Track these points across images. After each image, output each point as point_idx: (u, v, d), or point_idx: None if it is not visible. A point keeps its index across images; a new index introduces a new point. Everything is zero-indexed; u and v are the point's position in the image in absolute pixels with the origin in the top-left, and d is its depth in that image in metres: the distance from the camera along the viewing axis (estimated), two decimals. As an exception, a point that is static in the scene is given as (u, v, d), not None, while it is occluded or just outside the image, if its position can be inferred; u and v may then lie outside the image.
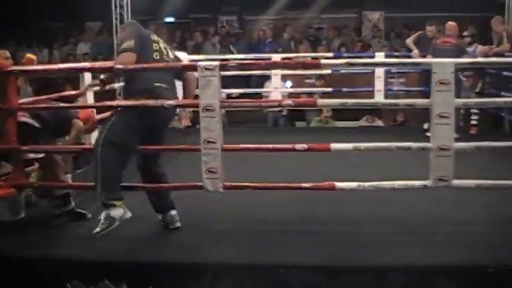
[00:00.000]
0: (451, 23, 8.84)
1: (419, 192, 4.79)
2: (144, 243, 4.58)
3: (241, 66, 5.28)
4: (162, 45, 4.71)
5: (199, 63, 4.60)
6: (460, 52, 8.19)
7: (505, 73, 9.35)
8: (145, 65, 4.50)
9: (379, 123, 11.09)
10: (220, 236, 4.63)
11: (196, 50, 12.73)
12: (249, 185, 4.73)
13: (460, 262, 4.13)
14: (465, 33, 9.97)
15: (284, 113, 11.04)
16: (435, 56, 7.97)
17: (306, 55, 11.66)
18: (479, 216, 5.01)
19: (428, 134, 4.81)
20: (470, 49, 9.47)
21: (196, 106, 4.55)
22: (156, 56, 4.62)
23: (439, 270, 4.08)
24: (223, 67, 4.64)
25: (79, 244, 4.49)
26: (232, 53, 12.58)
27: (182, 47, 12.38)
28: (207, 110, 4.47)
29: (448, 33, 8.64)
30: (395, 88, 11.10)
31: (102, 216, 4.34)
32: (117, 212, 4.35)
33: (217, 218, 5.00)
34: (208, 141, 4.49)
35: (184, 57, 9.01)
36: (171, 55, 4.78)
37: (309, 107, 10.10)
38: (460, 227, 4.78)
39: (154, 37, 4.70)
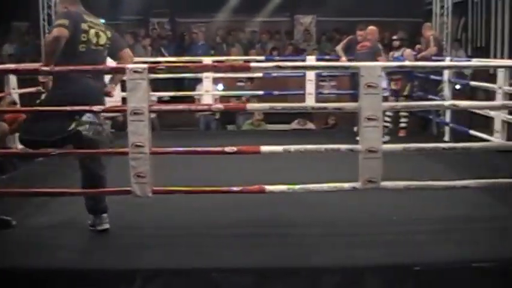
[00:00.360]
0: (371, 28, 9.06)
1: (349, 193, 4.86)
2: (71, 249, 4.45)
3: (170, 69, 5.23)
4: (93, 31, 4.62)
5: (128, 65, 4.55)
6: (373, 54, 8.40)
7: (432, 76, 9.62)
8: (72, 68, 4.43)
9: (311, 126, 11.20)
10: (150, 240, 4.57)
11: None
12: (179, 189, 4.70)
13: (388, 262, 4.23)
14: (394, 37, 10.15)
15: (216, 116, 11.02)
16: (357, 60, 8.13)
17: (238, 58, 11.68)
18: (407, 217, 5.13)
19: (358, 137, 4.89)
20: (398, 53, 9.66)
21: (124, 110, 4.49)
22: (82, 48, 4.54)
23: (368, 270, 4.15)
24: (152, 70, 4.59)
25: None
26: (163, 55, 12.47)
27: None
28: (135, 113, 4.41)
29: (368, 38, 8.81)
30: (326, 91, 11.27)
31: None
32: None
33: (147, 223, 4.93)
34: (137, 145, 4.44)
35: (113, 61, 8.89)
36: (102, 40, 4.69)
37: (238, 111, 10.10)
38: (389, 227, 4.89)
39: (86, 25, 4.58)
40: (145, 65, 4.50)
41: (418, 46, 10.48)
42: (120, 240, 4.59)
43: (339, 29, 14.53)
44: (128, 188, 4.58)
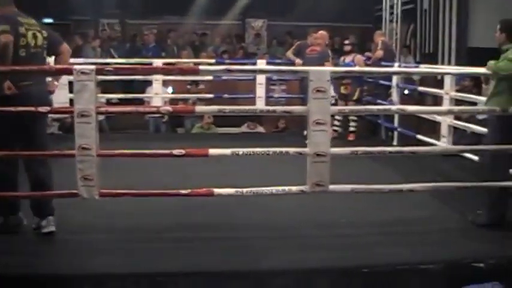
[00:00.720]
0: (321, 32, 9.09)
1: (297, 197, 4.88)
2: (17, 254, 4.34)
3: (118, 71, 5.16)
4: (31, 33, 4.50)
5: (75, 66, 4.47)
6: (322, 59, 8.44)
7: (381, 82, 9.75)
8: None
9: (261, 129, 11.22)
10: (97, 245, 4.50)
11: (76, 53, 12.31)
12: (127, 192, 4.64)
13: (336, 264, 4.28)
14: (346, 42, 10.25)
15: (165, 119, 10.94)
16: (306, 64, 8.17)
17: (188, 61, 11.61)
18: (355, 219, 5.19)
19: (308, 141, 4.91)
20: (349, 58, 9.75)
21: (72, 111, 4.41)
22: (22, 52, 4.43)
23: (317, 272, 4.20)
24: (99, 71, 4.52)
25: None
26: (113, 57, 12.31)
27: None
28: (82, 115, 4.34)
29: (318, 42, 8.85)
30: (277, 95, 11.31)
31: None
32: None
33: (93, 227, 4.86)
34: (83, 148, 4.36)
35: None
36: (39, 41, 4.57)
37: (187, 114, 10.05)
38: (337, 230, 4.94)
39: (23, 29, 4.46)
40: (93, 67, 4.43)
41: (367, 53, 10.59)
42: (66, 245, 4.51)
43: (291, 33, 14.60)
44: (75, 191, 4.49)
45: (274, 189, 4.72)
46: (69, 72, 4.51)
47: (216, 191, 4.66)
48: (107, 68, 4.63)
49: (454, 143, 7.47)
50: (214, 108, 4.90)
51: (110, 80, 9.45)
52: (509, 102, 4.98)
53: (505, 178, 5.13)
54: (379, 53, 10.10)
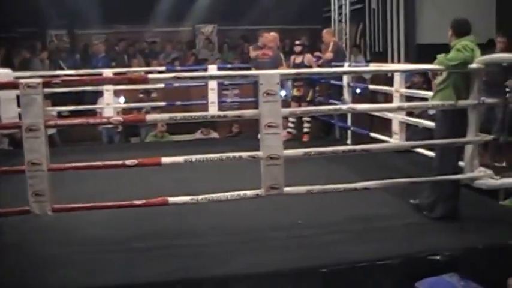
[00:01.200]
0: (272, 34, 8.98)
1: (253, 201, 4.87)
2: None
3: (66, 83, 5.08)
4: None
5: (21, 80, 4.39)
6: (275, 62, 8.36)
7: (333, 82, 9.82)
8: None
9: (215, 135, 11.19)
10: (52, 259, 4.41)
11: (24, 66, 12.08)
12: (80, 206, 4.58)
13: (295, 265, 4.29)
14: (297, 42, 10.24)
15: (119, 129, 10.81)
16: (257, 68, 8.12)
17: (139, 69, 11.51)
18: (312, 220, 5.21)
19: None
20: (299, 58, 9.76)
21: (19, 126, 4.33)
22: None
23: (274, 275, 4.20)
24: (47, 84, 4.45)
25: None
26: (62, 68, 12.12)
27: (8, 64, 11.66)
28: (30, 130, 4.26)
29: (269, 45, 8.72)
30: (229, 100, 11.30)
31: None
32: None
33: (48, 241, 4.76)
34: (33, 163, 4.28)
35: (8, 75, 8.57)
36: None
37: (139, 123, 9.95)
38: (294, 232, 4.95)
39: None
40: (39, 80, 4.35)
41: (316, 53, 10.63)
42: (21, 260, 4.39)
43: (245, 37, 14.62)
44: (27, 208, 4.41)
45: (229, 194, 4.72)
46: (15, 86, 4.42)
47: (171, 199, 4.63)
48: (54, 81, 4.54)
49: (407, 139, 7.56)
50: (166, 116, 4.87)
51: (60, 92, 9.29)
52: (453, 96, 5.08)
53: (455, 171, 5.22)
54: (329, 55, 10.15)
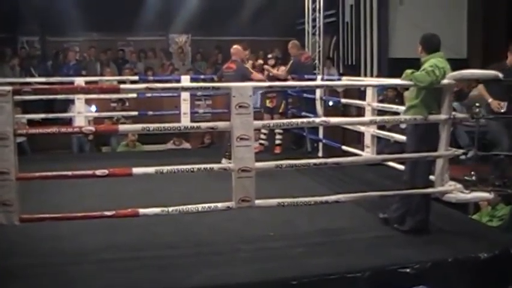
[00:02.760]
0: (234, 47, 8.65)
1: (224, 212, 4.84)
2: None
3: (37, 92, 5.02)
4: None
5: (-11, 88, 4.32)
6: (240, 76, 8.00)
7: (305, 95, 9.85)
8: None
9: (187, 145, 11.15)
10: (15, 271, 4.30)
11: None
12: (48, 216, 4.51)
13: (265, 277, 4.28)
14: (269, 56, 10.24)
15: (90, 138, 10.69)
16: (224, 81, 7.98)
17: (111, 78, 11.44)
18: (283, 232, 5.21)
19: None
20: (274, 71, 9.74)
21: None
22: None
23: (247, 286, 4.20)
24: (17, 92, 4.39)
25: None
26: (33, 76, 11.98)
27: (-25, 71, 11.51)
28: (-1, 139, 4.19)
29: (233, 58, 8.58)
30: (202, 111, 11.28)
31: None
32: None
33: (14, 252, 4.66)
34: (1, 172, 4.21)
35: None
36: None
37: (111, 133, 9.87)
38: (266, 243, 4.94)
39: None
40: (9, 88, 4.29)
41: (266, 66, 10.10)
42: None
43: (220, 47, 14.60)
44: (-7, 218, 4.33)
45: (200, 206, 4.70)
46: (-17, 94, 4.34)
47: (142, 211, 4.59)
48: (25, 89, 4.49)
49: (379, 152, 7.62)
50: (138, 126, 4.83)
51: (31, 100, 9.18)
52: (424, 112, 5.14)
53: (425, 184, 5.27)
54: (282, 74, 9.80)
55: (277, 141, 9.75)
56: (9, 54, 13.12)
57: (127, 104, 11.29)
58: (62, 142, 10.57)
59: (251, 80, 7.93)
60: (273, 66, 9.88)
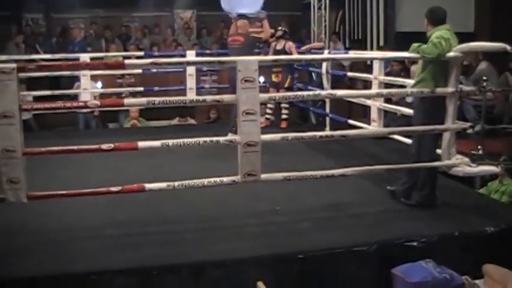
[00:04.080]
0: (242, 21, 8.44)
1: (230, 186, 4.83)
2: None
3: (41, 68, 5.00)
4: None
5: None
6: (247, 47, 7.88)
7: (311, 69, 9.80)
8: None
9: (192, 121, 11.14)
10: (25, 248, 4.33)
11: (-3, 50, 11.87)
12: (55, 193, 4.52)
13: (272, 251, 4.30)
14: (279, 28, 10.08)
15: (96, 113, 10.71)
16: (230, 54, 7.94)
17: (116, 54, 11.39)
18: (289, 206, 5.22)
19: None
20: (280, 44, 9.69)
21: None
22: None
23: (250, 261, 4.20)
24: (21, 69, 4.37)
25: None
26: (38, 53, 11.96)
27: (-19, 48, 11.48)
28: (4, 117, 4.17)
29: (239, 31, 8.33)
30: (208, 86, 11.24)
31: None
32: None
33: (18, 229, 4.68)
34: (8, 150, 4.20)
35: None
36: None
37: (116, 107, 9.85)
38: (272, 218, 4.95)
39: None
40: (14, 65, 4.26)
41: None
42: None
43: (226, 22, 14.48)
44: (1, 196, 4.33)
45: (206, 181, 4.69)
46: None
47: (148, 186, 4.59)
48: (29, 66, 4.47)
49: (385, 126, 7.58)
50: (143, 100, 4.81)
51: (36, 77, 9.17)
52: (431, 85, 5.10)
53: (432, 158, 5.25)
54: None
55: (284, 116, 9.73)
56: (14, 32, 13.08)
57: (133, 80, 11.25)
58: (68, 119, 10.58)
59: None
60: (280, 38, 9.78)
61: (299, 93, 5.81)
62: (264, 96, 5.15)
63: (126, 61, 4.85)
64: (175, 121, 10.89)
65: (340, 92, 5.65)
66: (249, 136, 4.61)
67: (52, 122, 10.45)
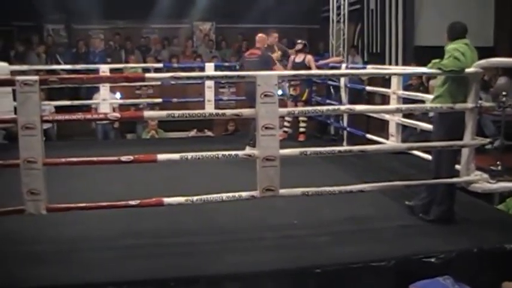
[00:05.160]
0: (260, 35, 8.60)
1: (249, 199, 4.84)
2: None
3: (63, 81, 5.04)
4: None
5: (17, 77, 4.34)
6: (263, 62, 7.96)
7: (329, 82, 9.79)
8: None
9: (209, 133, 11.16)
10: (42, 256, 4.37)
11: (19, 59, 11.98)
12: (74, 206, 4.54)
13: (289, 265, 4.29)
14: (299, 41, 10.09)
15: (115, 125, 10.77)
16: (245, 68, 7.99)
17: (136, 66, 11.48)
18: (307, 220, 5.22)
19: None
20: (299, 57, 9.70)
21: (15, 120, 4.28)
22: None
23: (268, 274, 4.20)
24: (44, 82, 4.41)
25: None
26: (59, 63, 12.07)
27: (3, 57, 11.58)
28: (26, 128, 4.21)
29: (257, 45, 8.45)
30: (226, 98, 11.28)
31: None
32: None
33: (40, 237, 4.72)
34: (29, 161, 4.24)
35: (5, 68, 8.56)
36: None
37: (136, 120, 9.90)
38: (290, 232, 4.95)
39: None
40: (36, 77, 4.30)
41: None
42: (10, 257, 4.36)
43: (244, 34, 14.56)
44: (21, 207, 4.37)
45: (224, 195, 4.69)
46: (11, 83, 4.37)
47: (166, 200, 4.61)
48: (51, 79, 4.50)
49: (403, 141, 7.56)
50: (163, 113, 4.83)
51: (55, 87, 9.26)
52: (450, 101, 5.09)
53: (451, 174, 5.23)
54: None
55: (301, 129, 9.75)
56: (36, 42, 13.23)
57: (151, 91, 11.32)
58: (86, 129, 10.67)
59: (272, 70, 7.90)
60: (301, 51, 9.80)
61: (318, 108, 5.80)
62: (283, 110, 5.15)
63: (147, 75, 4.88)
64: (193, 133, 10.93)
65: (359, 107, 5.64)
66: (268, 151, 4.61)
67: (70, 131, 10.54)
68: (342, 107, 6.49)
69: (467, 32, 5.22)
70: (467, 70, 5.01)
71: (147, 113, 5.70)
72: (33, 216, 4.47)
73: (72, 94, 10.74)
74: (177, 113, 4.68)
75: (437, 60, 5.08)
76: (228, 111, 5.05)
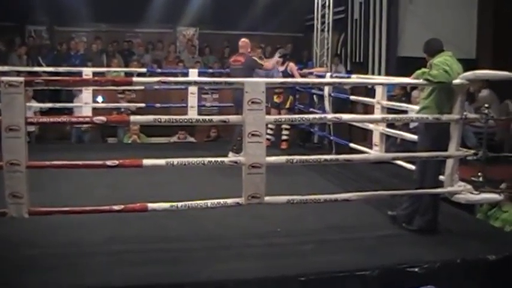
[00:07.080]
0: (243, 40, 8.55)
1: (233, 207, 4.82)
2: None
3: (48, 83, 4.98)
4: None
5: (2, 78, 4.28)
6: (248, 69, 8.03)
7: (313, 91, 9.81)
8: None
9: (191, 139, 11.12)
10: (27, 262, 4.30)
11: (0, 60, 11.83)
12: (57, 210, 4.48)
13: (273, 273, 4.27)
14: (278, 53, 10.05)
15: (84, 128, 10.66)
16: (232, 74, 7.99)
17: (118, 70, 11.41)
18: (292, 228, 5.20)
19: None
20: (282, 68, 9.72)
21: (-1, 123, 4.22)
22: None
23: (254, 282, 4.18)
24: (29, 83, 4.36)
25: None
26: (40, 65, 11.93)
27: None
28: (10, 130, 4.15)
29: (241, 51, 8.44)
30: (209, 104, 11.24)
31: None
32: None
33: (23, 243, 4.65)
34: (12, 164, 4.17)
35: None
36: None
37: (121, 124, 9.83)
38: (274, 240, 4.94)
39: None
40: (22, 79, 4.26)
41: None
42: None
43: (229, 41, 14.55)
44: (3, 210, 4.30)
45: (209, 202, 4.66)
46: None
47: (150, 205, 4.57)
48: (37, 80, 4.45)
49: (386, 151, 7.59)
50: (150, 118, 4.79)
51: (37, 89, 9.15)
52: (436, 112, 5.12)
53: (435, 184, 5.25)
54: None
55: (284, 137, 9.75)
56: (17, 43, 13.10)
57: (134, 95, 11.23)
58: (60, 133, 10.54)
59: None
60: (283, 63, 9.79)
61: (305, 116, 5.79)
62: (270, 118, 5.14)
63: (134, 79, 4.86)
64: (175, 138, 10.86)
65: (345, 116, 5.64)
66: (254, 158, 4.59)
67: (44, 134, 10.41)
68: (329, 116, 6.50)
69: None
70: (454, 82, 5.05)
71: (134, 118, 5.66)
72: (21, 219, 4.40)
73: (53, 96, 10.60)
74: (163, 118, 4.65)
75: (425, 70, 5.11)
76: (215, 117, 5.04)
